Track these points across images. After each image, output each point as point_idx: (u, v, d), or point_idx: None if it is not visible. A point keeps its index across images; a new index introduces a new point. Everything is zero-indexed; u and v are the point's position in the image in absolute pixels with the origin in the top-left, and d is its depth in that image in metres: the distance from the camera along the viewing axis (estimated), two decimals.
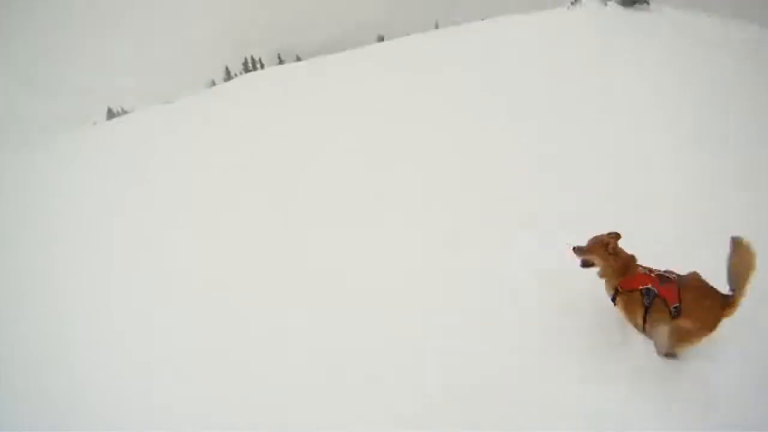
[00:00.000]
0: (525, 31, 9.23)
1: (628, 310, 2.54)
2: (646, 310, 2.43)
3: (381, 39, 19.01)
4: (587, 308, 2.89)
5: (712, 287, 2.39)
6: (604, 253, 2.58)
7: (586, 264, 2.67)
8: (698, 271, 2.50)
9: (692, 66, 6.56)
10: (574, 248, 2.68)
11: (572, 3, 11.41)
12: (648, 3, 10.02)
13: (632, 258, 2.60)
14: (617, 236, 2.59)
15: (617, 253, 2.57)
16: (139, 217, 5.48)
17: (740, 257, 2.28)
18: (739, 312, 2.34)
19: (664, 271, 2.51)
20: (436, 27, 18.77)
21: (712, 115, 5.19)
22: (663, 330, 2.43)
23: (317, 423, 2.59)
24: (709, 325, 2.34)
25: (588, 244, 2.64)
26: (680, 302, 2.36)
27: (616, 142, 4.89)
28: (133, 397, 2.90)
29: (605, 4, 10.39)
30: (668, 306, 2.38)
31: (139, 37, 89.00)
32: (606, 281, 2.65)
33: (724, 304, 2.32)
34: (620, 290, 2.53)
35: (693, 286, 2.42)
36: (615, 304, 2.60)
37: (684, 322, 2.37)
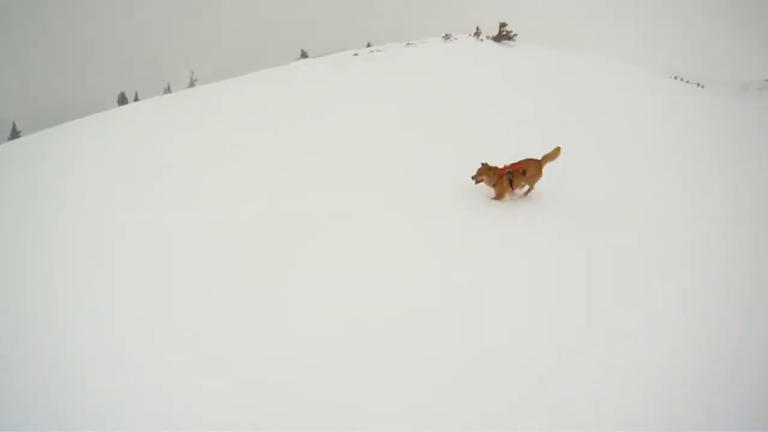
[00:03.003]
0: (433, 51, 13.14)
1: (503, 187, 4.89)
2: (511, 182, 4.88)
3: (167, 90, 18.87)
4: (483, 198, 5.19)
5: (532, 159, 4.95)
6: (488, 172, 4.91)
7: (478, 181, 4.96)
8: None
9: (538, 80, 10.42)
10: (472, 177, 4.96)
11: (444, 37, 14.76)
12: (514, 40, 14.69)
13: (495, 167, 4.92)
14: (487, 165, 4.93)
15: (491, 169, 4.92)
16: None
17: (553, 152, 4.98)
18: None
19: (512, 164, 4.89)
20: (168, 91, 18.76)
21: (553, 109, 8.36)
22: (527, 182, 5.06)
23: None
24: (539, 171, 4.97)
25: (478, 172, 4.93)
26: (524, 170, 4.89)
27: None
28: (134, 398, 2.88)
29: (481, 40, 14.68)
30: (521, 175, 4.90)
31: None
32: (492, 184, 4.97)
33: (540, 164, 4.97)
34: (499, 178, 4.87)
35: (526, 161, 4.94)
36: (496, 191, 4.99)
37: (530, 178, 4.99)
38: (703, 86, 18.94)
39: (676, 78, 19.47)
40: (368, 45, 17.83)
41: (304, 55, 19.82)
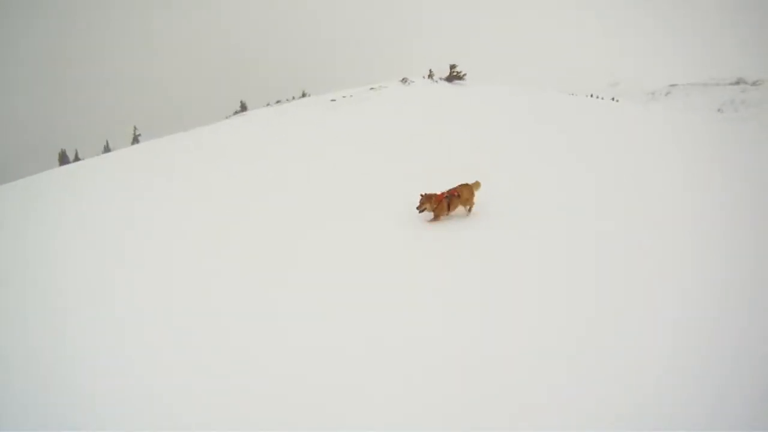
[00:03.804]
0: (399, 94, 14.20)
1: (441, 210, 5.34)
2: (449, 205, 5.37)
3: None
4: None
5: (467, 185, 5.49)
6: (428, 200, 5.28)
7: (422, 210, 5.32)
8: None
9: (490, 111, 11.54)
10: (417, 208, 5.32)
11: (402, 81, 15.48)
12: (463, 80, 15.78)
13: (434, 194, 5.34)
14: (426, 194, 5.31)
15: (432, 198, 5.31)
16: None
17: (476, 184, 5.54)
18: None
19: (449, 190, 5.39)
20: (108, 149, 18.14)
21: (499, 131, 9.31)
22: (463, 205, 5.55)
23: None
24: (471, 196, 5.52)
25: (420, 203, 5.29)
26: (459, 195, 5.41)
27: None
28: (134, 398, 2.88)
29: (436, 82, 15.62)
30: (457, 198, 5.40)
31: None
32: (433, 209, 5.34)
33: (472, 188, 5.51)
34: (437, 203, 5.31)
35: (460, 187, 5.44)
36: (434, 213, 5.39)
37: (464, 201, 5.50)
38: (618, 100, 19.55)
39: (592, 96, 20.53)
40: (303, 95, 18.78)
41: (243, 107, 19.40)
